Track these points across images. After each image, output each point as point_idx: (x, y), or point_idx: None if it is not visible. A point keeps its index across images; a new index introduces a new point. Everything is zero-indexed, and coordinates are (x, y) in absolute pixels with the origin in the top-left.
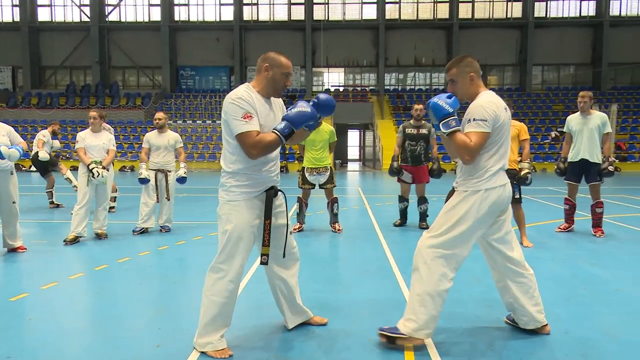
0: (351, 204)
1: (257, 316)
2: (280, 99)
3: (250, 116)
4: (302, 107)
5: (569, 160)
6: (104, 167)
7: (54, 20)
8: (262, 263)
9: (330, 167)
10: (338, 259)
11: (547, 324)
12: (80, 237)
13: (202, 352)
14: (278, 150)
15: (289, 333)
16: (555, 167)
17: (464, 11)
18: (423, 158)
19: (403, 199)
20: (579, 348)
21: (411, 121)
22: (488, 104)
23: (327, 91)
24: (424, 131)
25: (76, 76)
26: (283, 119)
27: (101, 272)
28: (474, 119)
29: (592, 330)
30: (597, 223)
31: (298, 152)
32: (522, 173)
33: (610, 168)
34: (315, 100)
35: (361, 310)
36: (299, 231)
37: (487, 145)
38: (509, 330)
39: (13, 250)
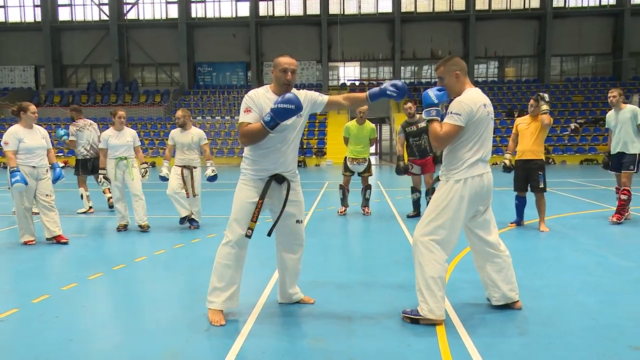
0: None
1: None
2: (303, 90)
3: (249, 111)
4: (288, 104)
5: (611, 153)
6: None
7: (74, 20)
8: (245, 236)
9: (368, 158)
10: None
11: (518, 300)
12: (127, 224)
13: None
14: (288, 145)
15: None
16: (602, 161)
17: (481, 2)
18: (429, 149)
19: (415, 189)
20: (607, 333)
21: (407, 119)
22: (466, 100)
23: (349, 84)
24: (422, 124)
25: (96, 74)
26: (270, 111)
27: (140, 263)
28: (451, 112)
29: (619, 317)
30: (618, 210)
31: (315, 147)
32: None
33: None
34: (394, 88)
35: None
36: (343, 214)
37: (464, 138)
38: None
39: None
